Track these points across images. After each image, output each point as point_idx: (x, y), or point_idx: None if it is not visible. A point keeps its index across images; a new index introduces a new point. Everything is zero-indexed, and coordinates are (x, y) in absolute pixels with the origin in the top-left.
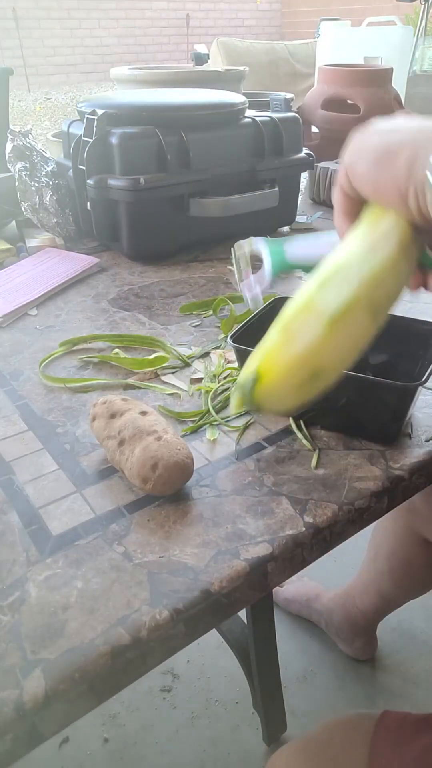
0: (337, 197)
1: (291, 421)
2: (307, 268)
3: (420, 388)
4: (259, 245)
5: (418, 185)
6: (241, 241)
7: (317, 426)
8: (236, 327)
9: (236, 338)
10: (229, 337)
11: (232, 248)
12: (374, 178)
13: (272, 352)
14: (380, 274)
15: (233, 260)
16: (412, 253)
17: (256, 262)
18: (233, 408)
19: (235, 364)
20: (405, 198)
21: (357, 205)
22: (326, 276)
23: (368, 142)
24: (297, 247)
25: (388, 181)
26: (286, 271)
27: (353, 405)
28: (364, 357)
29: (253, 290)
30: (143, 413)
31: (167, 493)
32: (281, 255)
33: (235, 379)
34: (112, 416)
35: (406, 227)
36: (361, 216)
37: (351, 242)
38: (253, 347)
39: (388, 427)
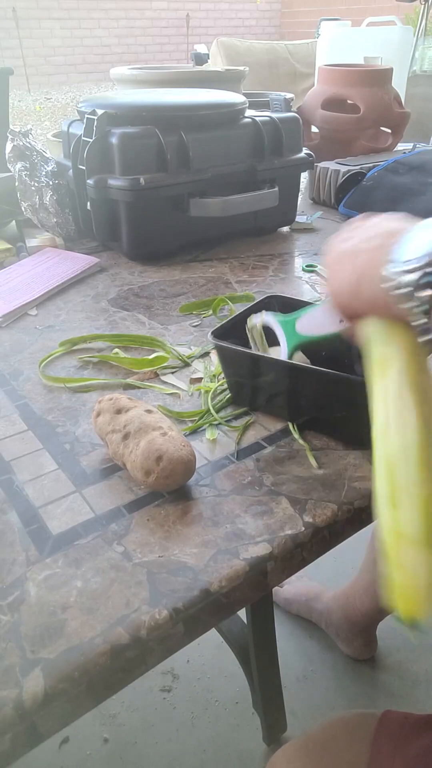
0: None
1: (289, 423)
2: (316, 340)
3: None
4: (270, 320)
5: (391, 303)
6: (253, 316)
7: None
8: (220, 324)
9: (219, 335)
10: (210, 334)
11: (245, 326)
12: (359, 306)
13: (407, 594)
14: (426, 452)
15: (248, 333)
16: (425, 368)
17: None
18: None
19: None
20: (390, 312)
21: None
22: (389, 489)
23: (342, 271)
24: (303, 321)
25: (370, 305)
26: (300, 345)
27: (344, 411)
28: (354, 367)
29: None
30: (148, 411)
31: (168, 488)
32: (293, 331)
33: None
34: (118, 412)
35: (408, 353)
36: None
37: (380, 423)
38: (236, 344)
39: None
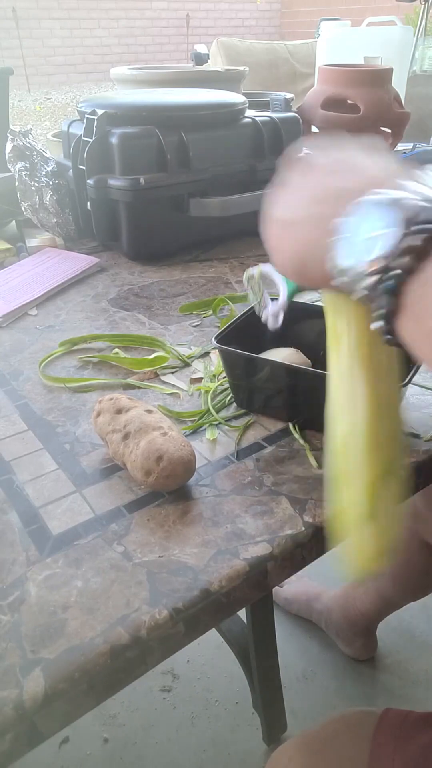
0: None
1: (290, 423)
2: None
3: (405, 388)
4: (269, 270)
5: (335, 276)
6: (251, 268)
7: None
8: (222, 327)
9: (222, 338)
10: (213, 338)
11: (243, 275)
12: (305, 280)
13: (362, 554)
14: (374, 434)
15: (246, 285)
16: (378, 340)
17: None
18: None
19: None
20: (331, 286)
21: None
22: (339, 471)
23: (282, 248)
24: None
25: (319, 284)
26: (298, 293)
27: None
28: None
29: (273, 315)
30: (148, 411)
31: (168, 488)
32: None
33: None
34: (118, 411)
35: (359, 325)
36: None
37: (332, 404)
38: (238, 347)
39: None
